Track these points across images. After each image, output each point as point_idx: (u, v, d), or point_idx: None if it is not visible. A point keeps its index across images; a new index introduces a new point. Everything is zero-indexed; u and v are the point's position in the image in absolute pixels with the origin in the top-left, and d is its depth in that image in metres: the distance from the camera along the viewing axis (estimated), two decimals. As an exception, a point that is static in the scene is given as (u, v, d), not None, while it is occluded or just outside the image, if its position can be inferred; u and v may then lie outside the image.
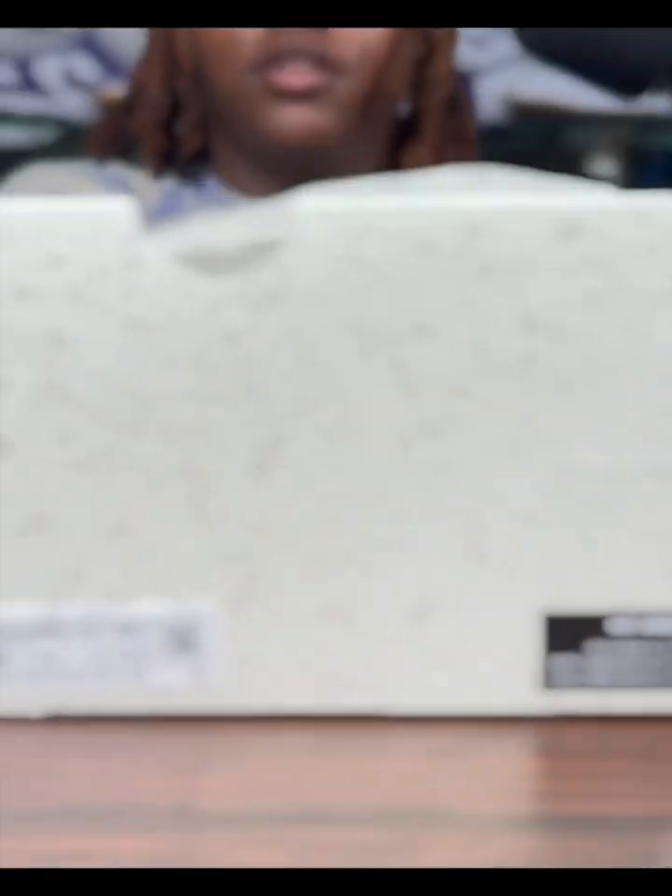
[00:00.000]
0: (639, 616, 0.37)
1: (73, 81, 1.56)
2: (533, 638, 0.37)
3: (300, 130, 0.80)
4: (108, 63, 1.60)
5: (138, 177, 0.87)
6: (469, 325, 0.36)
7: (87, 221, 0.36)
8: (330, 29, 0.79)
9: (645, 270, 0.36)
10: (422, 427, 0.36)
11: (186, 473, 0.36)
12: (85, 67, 1.57)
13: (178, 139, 0.86)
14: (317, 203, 0.36)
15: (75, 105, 1.55)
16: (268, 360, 0.36)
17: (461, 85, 0.89)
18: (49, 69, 1.54)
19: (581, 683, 0.37)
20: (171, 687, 0.37)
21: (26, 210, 0.36)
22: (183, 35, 0.84)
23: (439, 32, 0.87)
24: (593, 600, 0.37)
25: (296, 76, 0.78)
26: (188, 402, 0.36)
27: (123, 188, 0.86)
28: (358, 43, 0.80)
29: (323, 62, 0.79)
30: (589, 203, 0.36)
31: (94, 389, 0.36)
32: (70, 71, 1.55)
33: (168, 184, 0.87)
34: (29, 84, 1.55)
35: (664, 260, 0.36)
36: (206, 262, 0.36)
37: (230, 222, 0.36)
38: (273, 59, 0.79)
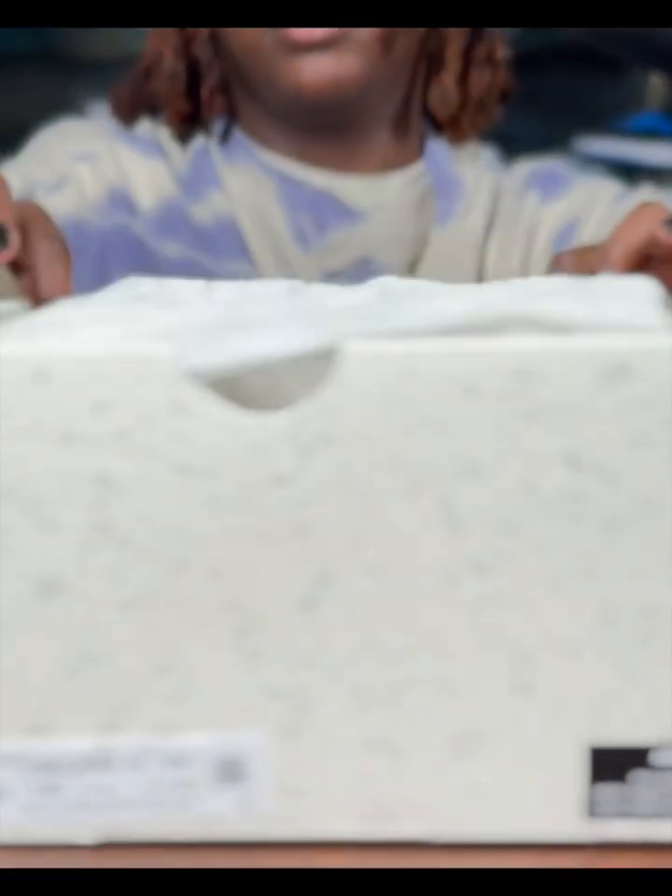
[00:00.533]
0: (683, 746, 0.37)
1: None
2: (578, 769, 0.37)
3: (322, 80, 0.76)
4: None
5: (168, 136, 0.85)
6: (515, 464, 0.36)
7: (132, 366, 0.36)
8: None
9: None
10: (469, 564, 0.36)
11: (233, 610, 0.37)
12: None
13: (202, 104, 0.84)
14: (364, 346, 0.36)
15: None
16: (316, 500, 0.36)
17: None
18: None
19: (626, 812, 0.37)
20: (219, 816, 0.38)
21: (72, 354, 0.36)
22: None
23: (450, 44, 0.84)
24: (637, 732, 0.37)
25: (309, 31, 0.75)
26: (236, 542, 0.36)
27: (154, 147, 0.84)
28: None
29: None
30: (635, 345, 0.35)
31: (143, 530, 0.36)
32: None
33: (196, 143, 0.84)
34: None
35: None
36: (253, 405, 0.36)
37: (278, 360, 0.36)
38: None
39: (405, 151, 0.85)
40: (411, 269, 0.82)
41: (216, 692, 0.37)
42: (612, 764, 0.37)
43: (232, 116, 0.85)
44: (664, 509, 0.36)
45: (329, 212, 0.82)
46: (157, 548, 0.36)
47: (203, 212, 0.82)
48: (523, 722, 0.37)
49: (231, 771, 0.37)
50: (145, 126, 0.85)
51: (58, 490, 0.36)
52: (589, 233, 0.83)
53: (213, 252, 0.81)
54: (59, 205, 0.80)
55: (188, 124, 0.84)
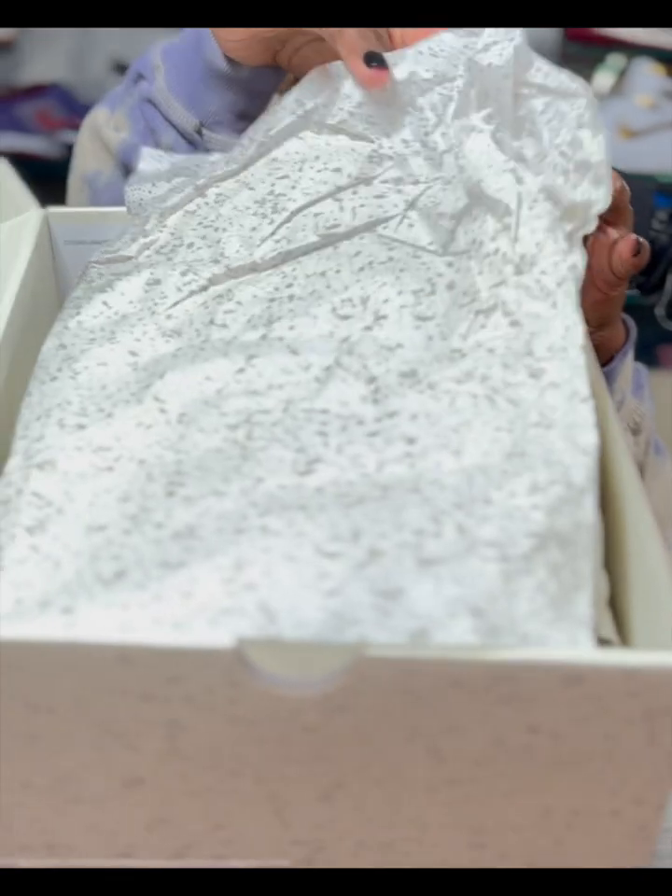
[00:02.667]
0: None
1: None
2: None
3: None
4: None
5: None
6: (489, 727, 0.48)
7: (199, 655, 0.46)
8: None
9: (630, 704, 0.47)
10: (446, 781, 0.49)
11: (272, 799, 0.50)
12: None
13: None
14: (384, 652, 0.46)
15: None
16: (335, 742, 0.48)
17: None
18: None
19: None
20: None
21: (151, 640, 0.46)
22: None
23: None
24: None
25: None
26: (274, 763, 0.49)
27: None
28: None
29: None
30: (594, 660, 0.46)
31: (205, 757, 0.48)
32: None
33: None
34: None
35: (641, 700, 0.47)
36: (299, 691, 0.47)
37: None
38: None
39: None
40: None
41: (256, 850, 0.51)
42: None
43: None
44: (595, 758, 0.48)
45: None
46: (216, 765, 0.48)
47: None
48: (479, 867, 0.52)
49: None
50: None
51: (141, 727, 0.48)
52: None
53: None
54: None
55: None
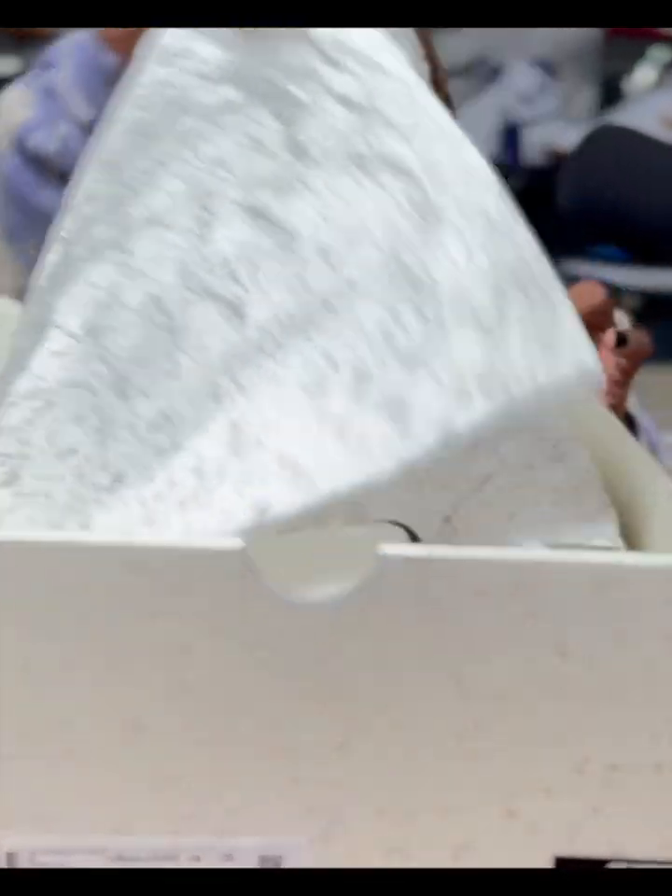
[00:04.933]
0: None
1: None
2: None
3: None
4: None
5: None
6: (515, 649, 0.45)
7: (205, 558, 0.44)
8: None
9: (658, 614, 0.45)
10: (472, 724, 0.46)
11: (283, 749, 0.46)
12: None
13: None
14: (395, 551, 0.44)
15: None
16: (351, 670, 0.45)
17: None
18: None
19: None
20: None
21: (154, 545, 0.45)
22: None
23: (430, 47, 0.97)
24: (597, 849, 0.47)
25: None
26: (287, 698, 0.45)
27: None
28: None
29: None
30: (622, 561, 0.45)
31: (213, 687, 0.45)
32: None
33: None
34: None
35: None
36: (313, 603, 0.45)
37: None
38: None
39: None
40: None
41: (265, 807, 0.46)
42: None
43: None
44: (629, 688, 0.45)
45: None
46: (223, 700, 0.45)
47: None
48: (507, 839, 0.47)
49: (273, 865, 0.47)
50: None
51: (145, 653, 0.45)
52: None
53: None
54: None
55: None
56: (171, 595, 0.44)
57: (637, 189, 0.84)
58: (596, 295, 0.70)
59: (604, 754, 0.46)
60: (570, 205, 0.90)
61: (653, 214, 0.80)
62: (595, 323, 0.70)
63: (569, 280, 1.93)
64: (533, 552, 0.44)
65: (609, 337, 0.71)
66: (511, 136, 1.98)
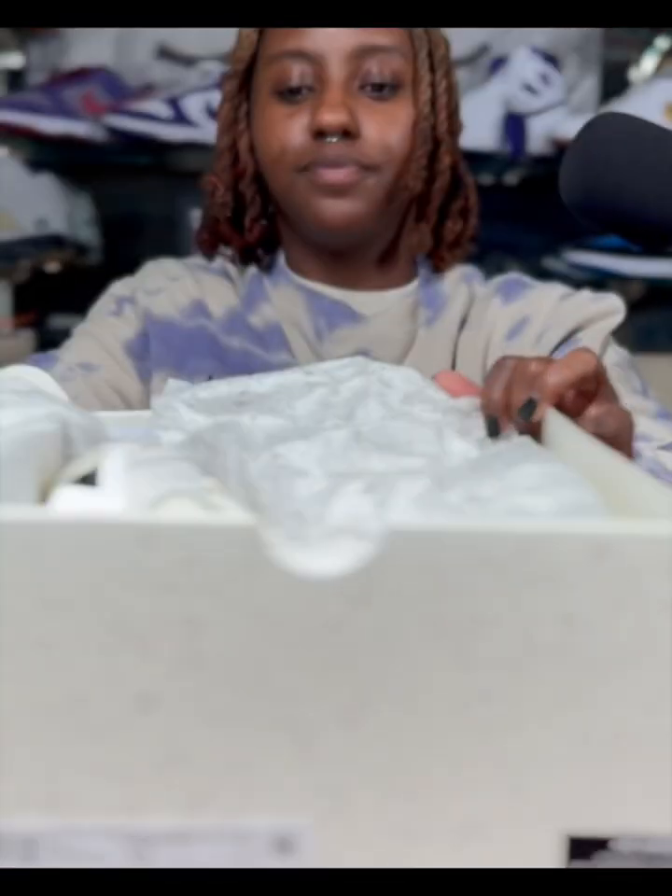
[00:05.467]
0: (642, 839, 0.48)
1: (213, 114, 1.98)
2: (554, 852, 0.48)
3: (340, 217, 1.01)
4: None
5: (233, 269, 1.13)
6: (520, 617, 0.46)
7: (216, 533, 0.45)
8: (361, 137, 1.00)
9: (663, 581, 0.45)
10: (477, 695, 0.46)
11: (292, 724, 0.46)
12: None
13: (244, 229, 1.10)
14: (403, 524, 0.45)
15: (215, 132, 1.96)
16: (359, 643, 0.46)
17: (465, 171, 1.11)
18: (194, 104, 2.05)
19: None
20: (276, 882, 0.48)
21: (167, 522, 0.45)
22: (245, 150, 1.07)
23: (442, 132, 1.06)
24: (604, 824, 0.47)
25: (335, 174, 1.00)
26: (295, 671, 0.46)
27: (224, 274, 1.13)
28: (383, 146, 1.01)
29: (357, 163, 1.00)
30: (618, 529, 0.45)
31: (224, 661, 0.46)
32: (210, 105, 2.01)
33: (251, 271, 1.11)
34: (180, 117, 2.06)
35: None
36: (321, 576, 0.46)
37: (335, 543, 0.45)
38: (317, 163, 1.00)
39: (400, 274, 1.11)
40: (398, 361, 1.05)
41: (275, 785, 0.47)
42: (583, 849, 0.48)
43: (275, 246, 1.10)
44: (630, 656, 0.46)
45: (338, 316, 1.07)
46: (234, 675, 0.46)
47: (256, 319, 1.09)
48: (513, 815, 0.47)
49: (284, 845, 0.47)
50: (218, 262, 1.14)
51: (157, 627, 0.46)
52: (535, 328, 1.07)
53: (264, 347, 1.08)
54: (156, 305, 1.09)
55: (243, 256, 1.11)
56: (182, 570, 0.45)
57: (639, 176, 0.84)
58: (589, 363, 0.72)
59: (608, 724, 0.47)
60: (571, 194, 0.90)
61: (655, 202, 0.79)
62: (584, 390, 0.73)
63: (575, 269, 1.98)
64: (535, 522, 0.45)
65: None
66: (515, 126, 1.98)
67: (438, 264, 1.11)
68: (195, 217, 2.14)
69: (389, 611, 0.46)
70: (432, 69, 1.05)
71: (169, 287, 1.10)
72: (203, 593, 0.45)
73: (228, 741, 0.47)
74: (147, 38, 2.20)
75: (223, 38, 2.13)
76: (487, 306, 1.09)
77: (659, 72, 2.01)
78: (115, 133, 2.07)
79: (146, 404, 1.05)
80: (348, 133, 1.00)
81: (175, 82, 2.16)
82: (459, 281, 1.10)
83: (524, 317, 1.08)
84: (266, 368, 1.03)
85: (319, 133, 1.00)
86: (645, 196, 0.86)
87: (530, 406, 0.69)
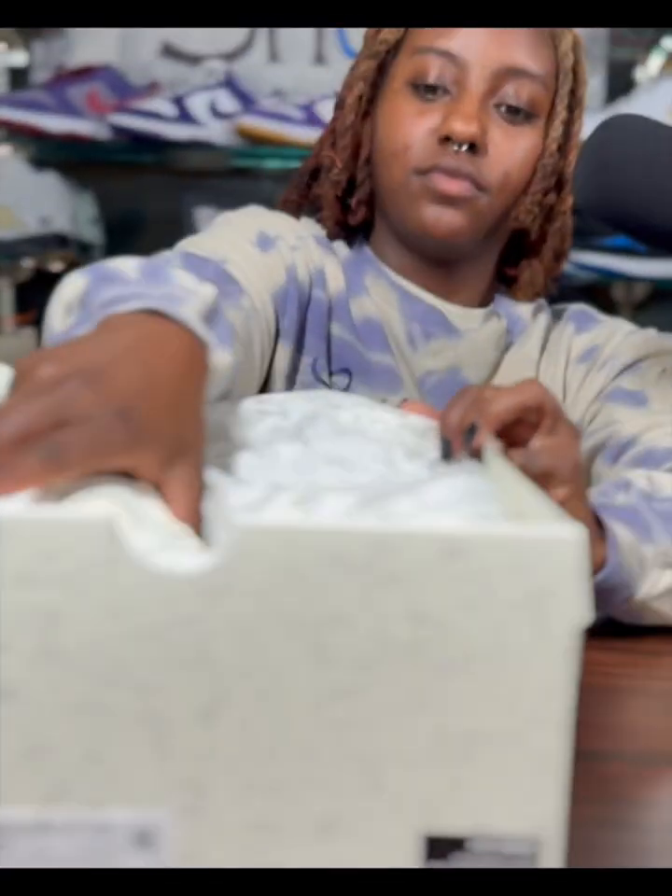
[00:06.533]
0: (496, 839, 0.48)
1: (217, 113, 2.10)
2: (411, 852, 0.48)
3: (444, 227, 1.01)
4: (243, 98, 2.13)
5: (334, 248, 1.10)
6: (372, 615, 0.46)
7: (73, 528, 0.45)
8: (486, 154, 1.00)
9: (513, 582, 0.45)
10: (333, 692, 0.47)
11: (150, 718, 0.47)
12: (226, 102, 2.10)
13: (349, 211, 1.09)
14: (264, 524, 0.45)
15: (219, 132, 2.08)
16: (216, 638, 0.46)
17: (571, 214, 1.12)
18: (198, 103, 2.09)
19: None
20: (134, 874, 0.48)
21: (25, 516, 0.46)
22: (366, 134, 1.07)
23: (568, 173, 1.06)
24: (461, 823, 0.48)
25: (451, 184, 0.99)
26: (153, 665, 0.46)
27: (328, 247, 1.09)
28: (503, 170, 1.01)
29: (473, 178, 1.00)
30: (469, 530, 0.45)
31: (82, 654, 0.46)
32: (215, 104, 2.08)
33: (345, 255, 1.09)
34: (184, 116, 2.09)
35: (526, 578, 0.45)
36: (176, 571, 0.46)
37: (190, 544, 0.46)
38: (436, 168, 1.00)
39: (484, 294, 1.11)
40: (486, 382, 1.07)
41: (133, 779, 0.47)
42: (439, 849, 0.48)
43: (367, 232, 1.09)
44: (480, 656, 0.46)
45: (435, 325, 1.06)
46: (92, 668, 0.46)
47: (357, 310, 1.06)
48: (371, 813, 0.48)
49: (144, 839, 0.48)
50: (321, 234, 1.10)
51: (12, 621, 0.46)
52: (604, 354, 1.10)
53: (363, 343, 1.06)
54: (298, 263, 1.04)
55: (336, 228, 1.09)
56: (40, 563, 0.46)
57: (653, 177, 0.84)
58: (534, 394, 0.74)
59: (462, 722, 0.47)
60: (586, 195, 0.90)
61: (669, 202, 0.80)
62: (527, 420, 0.75)
63: (581, 269, 1.98)
64: (385, 522, 0.45)
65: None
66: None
67: (519, 295, 1.12)
68: (199, 215, 2.16)
69: (245, 608, 0.46)
70: (570, 108, 1.05)
71: (302, 245, 1.06)
72: (60, 586, 0.46)
73: (85, 734, 0.47)
74: (151, 37, 2.21)
75: (228, 38, 2.16)
76: (563, 334, 1.13)
77: (665, 72, 2.01)
78: (119, 131, 2.08)
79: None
80: (474, 147, 1.00)
81: (179, 81, 2.17)
82: (534, 308, 1.12)
83: (595, 346, 1.11)
84: (365, 365, 1.05)
85: (446, 139, 0.99)
86: (659, 196, 0.86)
87: (472, 431, 0.70)
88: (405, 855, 0.48)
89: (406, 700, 0.47)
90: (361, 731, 0.47)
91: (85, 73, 2.11)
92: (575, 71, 1.04)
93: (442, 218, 1.00)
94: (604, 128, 0.91)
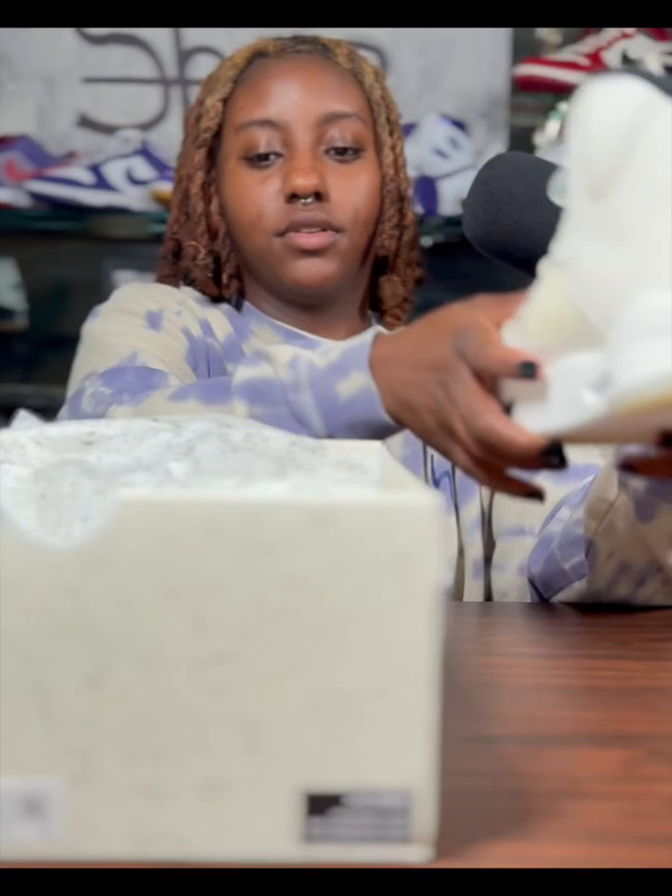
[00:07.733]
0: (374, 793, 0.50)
1: (133, 180, 2.19)
2: (294, 809, 0.50)
3: (317, 277, 1.10)
4: (158, 165, 2.23)
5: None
6: (248, 583, 0.48)
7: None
8: (330, 200, 1.09)
9: (378, 547, 0.48)
10: (212, 657, 0.49)
11: (35, 686, 0.49)
12: (142, 169, 2.20)
13: (222, 286, 1.18)
14: (141, 495, 0.48)
15: (136, 198, 2.19)
16: (98, 607, 0.48)
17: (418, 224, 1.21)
18: (114, 170, 2.17)
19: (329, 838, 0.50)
20: (23, 842, 0.50)
21: None
22: (215, 214, 1.16)
23: (404, 189, 1.16)
24: (339, 780, 0.50)
25: (311, 238, 1.08)
26: (36, 635, 0.49)
27: (209, 303, 1.18)
28: (352, 208, 1.10)
29: (327, 224, 1.09)
30: (335, 499, 0.48)
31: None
32: (131, 172, 2.17)
33: (226, 308, 1.18)
34: (101, 183, 2.17)
35: (389, 542, 0.48)
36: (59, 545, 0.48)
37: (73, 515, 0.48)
38: (292, 226, 1.09)
39: (360, 323, 1.19)
40: None
41: (20, 747, 0.49)
42: (319, 805, 0.50)
43: (241, 294, 1.20)
44: (353, 619, 0.49)
45: None
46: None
47: (248, 350, 1.15)
48: (252, 773, 0.50)
49: (33, 807, 0.50)
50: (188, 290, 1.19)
51: None
52: None
53: None
54: (187, 323, 1.13)
55: (215, 299, 1.19)
56: None
57: (536, 209, 0.88)
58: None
59: (336, 683, 0.49)
60: (474, 229, 0.94)
61: (551, 234, 0.84)
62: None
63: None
64: (258, 492, 0.48)
65: None
66: (427, 188, 2.05)
67: (391, 320, 1.20)
68: (120, 279, 2.19)
69: (125, 577, 0.48)
70: (391, 133, 1.15)
71: (183, 307, 1.14)
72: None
73: (-25, 705, 0.49)
74: (68, 108, 2.27)
75: (143, 108, 2.21)
76: None
77: (562, 136, 2.09)
78: (38, 198, 2.12)
79: None
80: (320, 196, 1.08)
81: (95, 150, 2.22)
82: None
83: None
84: None
85: (293, 196, 1.08)
86: (543, 229, 0.90)
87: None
88: (287, 813, 0.50)
89: (282, 663, 0.49)
90: (240, 694, 0.49)
91: (2, 142, 2.17)
92: (384, 99, 1.14)
93: (312, 269, 1.10)
94: (490, 165, 0.96)
